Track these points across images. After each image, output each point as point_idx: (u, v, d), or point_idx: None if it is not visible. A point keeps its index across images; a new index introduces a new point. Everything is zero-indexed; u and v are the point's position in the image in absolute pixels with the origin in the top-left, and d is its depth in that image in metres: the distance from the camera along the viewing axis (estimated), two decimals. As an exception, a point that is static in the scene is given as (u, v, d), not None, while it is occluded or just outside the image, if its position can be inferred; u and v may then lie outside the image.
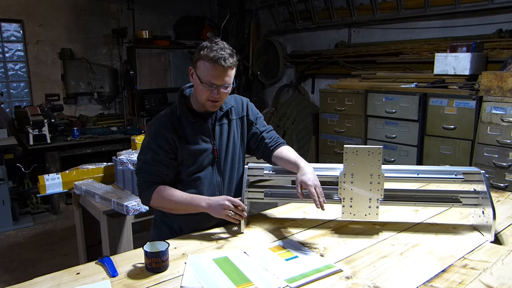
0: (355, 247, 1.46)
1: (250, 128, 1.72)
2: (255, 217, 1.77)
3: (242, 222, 1.58)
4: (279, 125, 4.76)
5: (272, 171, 1.71)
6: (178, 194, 1.55)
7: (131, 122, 5.58)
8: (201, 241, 1.52)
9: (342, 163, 1.61)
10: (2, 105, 4.63)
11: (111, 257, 1.37)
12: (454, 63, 3.18)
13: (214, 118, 1.62)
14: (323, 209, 1.48)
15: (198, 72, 1.50)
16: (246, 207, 1.55)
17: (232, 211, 1.50)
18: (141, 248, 1.32)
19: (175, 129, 1.56)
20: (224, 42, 1.51)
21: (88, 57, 5.36)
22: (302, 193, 1.52)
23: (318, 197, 1.47)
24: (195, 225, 1.63)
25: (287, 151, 1.68)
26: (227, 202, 1.50)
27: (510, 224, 1.64)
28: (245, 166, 1.68)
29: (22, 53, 5.11)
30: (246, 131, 1.72)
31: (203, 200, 1.53)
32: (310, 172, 1.53)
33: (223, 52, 1.46)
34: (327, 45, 4.93)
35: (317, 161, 4.49)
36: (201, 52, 1.48)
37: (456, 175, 1.63)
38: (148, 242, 1.33)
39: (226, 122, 1.65)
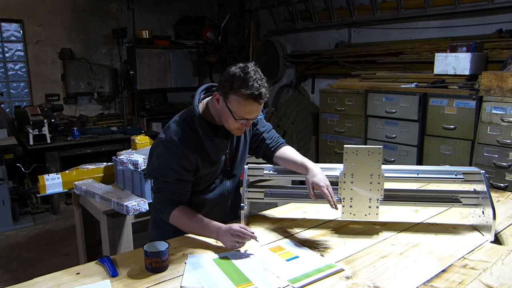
0: (355, 247, 1.46)
1: (251, 128, 1.72)
2: (255, 217, 1.77)
3: (242, 222, 1.58)
4: (279, 125, 4.76)
5: (272, 171, 1.71)
6: (194, 218, 1.52)
7: (131, 122, 5.58)
8: (201, 241, 1.52)
9: (342, 163, 1.61)
10: (2, 105, 4.63)
11: (111, 257, 1.37)
12: (454, 63, 3.18)
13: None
14: (337, 208, 1.51)
15: (231, 106, 1.41)
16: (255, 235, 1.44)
17: (240, 235, 1.41)
18: (141, 248, 1.32)
19: (197, 149, 1.51)
20: (254, 67, 1.42)
21: (88, 57, 5.36)
22: (314, 194, 1.53)
23: (332, 197, 1.49)
24: None
25: (290, 152, 1.69)
26: (235, 227, 1.42)
27: (510, 224, 1.64)
28: (245, 166, 1.69)
29: (22, 53, 5.11)
30: (250, 133, 1.72)
31: (215, 230, 1.48)
32: (320, 173, 1.55)
33: (258, 86, 1.38)
34: (327, 45, 4.93)
35: (317, 161, 4.48)
36: (234, 85, 1.38)
37: (456, 175, 1.63)
38: (148, 242, 1.33)
39: None
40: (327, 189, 1.50)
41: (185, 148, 1.48)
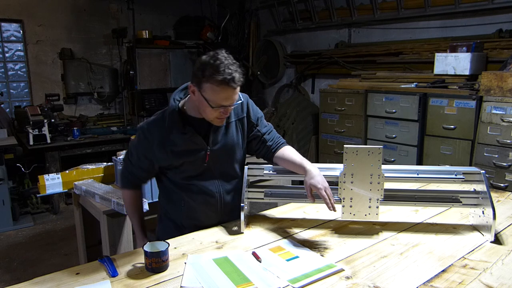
0: (355, 247, 1.46)
1: (251, 129, 1.70)
2: (255, 217, 1.77)
3: (242, 222, 1.58)
4: (279, 125, 4.76)
5: (272, 171, 1.71)
6: (135, 210, 1.76)
7: (131, 122, 5.57)
8: (201, 241, 1.52)
9: (342, 163, 1.61)
10: (2, 105, 4.63)
11: (111, 257, 1.37)
12: (454, 63, 3.18)
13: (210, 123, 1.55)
14: (335, 211, 1.50)
15: (206, 95, 1.41)
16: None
17: None
18: (141, 248, 1.32)
19: (163, 139, 1.54)
20: (225, 53, 1.42)
21: (88, 57, 5.36)
22: (312, 196, 1.53)
23: (330, 199, 1.48)
24: (194, 222, 1.66)
25: (289, 152, 1.68)
26: None
27: (510, 224, 1.64)
28: (245, 166, 1.68)
29: (22, 53, 5.11)
30: (246, 132, 1.69)
31: (139, 237, 1.77)
32: (318, 175, 1.54)
33: (230, 71, 1.37)
34: (327, 45, 4.93)
35: (317, 161, 4.49)
36: (206, 73, 1.38)
37: (456, 175, 1.63)
38: (148, 242, 1.33)
39: (224, 124, 1.60)
40: (325, 191, 1.49)
41: (151, 136, 1.56)
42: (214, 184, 1.64)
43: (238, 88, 1.44)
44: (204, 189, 1.63)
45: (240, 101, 1.54)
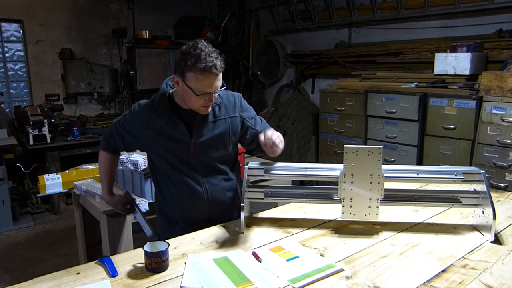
0: (355, 247, 1.46)
1: (247, 129, 1.69)
2: (255, 217, 1.77)
3: (242, 222, 1.58)
4: (279, 125, 4.76)
5: (272, 171, 1.71)
6: (104, 170, 1.82)
7: (131, 122, 5.57)
8: (201, 241, 1.52)
9: (342, 163, 1.61)
10: (2, 105, 4.63)
11: (111, 257, 1.37)
12: (454, 63, 3.18)
13: (197, 114, 1.57)
14: (271, 155, 1.56)
15: (190, 84, 1.45)
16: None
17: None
18: (141, 248, 1.32)
19: (148, 120, 1.60)
20: (204, 42, 1.45)
21: (88, 57, 5.36)
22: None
23: (273, 143, 1.52)
24: (184, 216, 1.70)
25: None
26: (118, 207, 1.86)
27: (510, 224, 1.64)
28: (245, 166, 1.68)
29: (22, 53, 5.11)
30: (239, 132, 1.68)
31: (105, 193, 1.84)
32: (272, 131, 1.57)
33: (211, 59, 1.41)
34: (327, 45, 4.93)
35: (317, 161, 4.49)
36: (188, 63, 1.42)
37: (456, 175, 1.63)
38: (148, 242, 1.33)
39: (211, 120, 1.61)
40: (271, 137, 1.51)
41: (138, 114, 1.63)
42: (199, 180, 1.65)
43: (221, 75, 1.48)
44: (190, 185, 1.64)
45: (224, 87, 1.55)
